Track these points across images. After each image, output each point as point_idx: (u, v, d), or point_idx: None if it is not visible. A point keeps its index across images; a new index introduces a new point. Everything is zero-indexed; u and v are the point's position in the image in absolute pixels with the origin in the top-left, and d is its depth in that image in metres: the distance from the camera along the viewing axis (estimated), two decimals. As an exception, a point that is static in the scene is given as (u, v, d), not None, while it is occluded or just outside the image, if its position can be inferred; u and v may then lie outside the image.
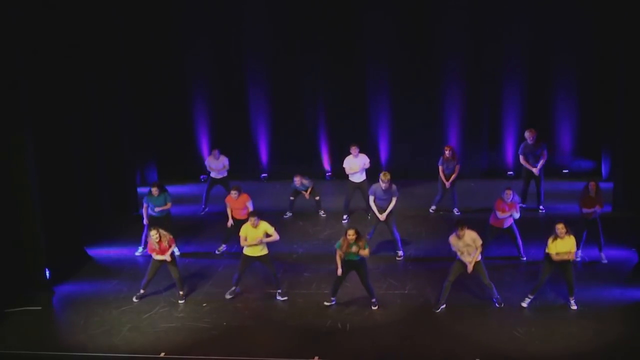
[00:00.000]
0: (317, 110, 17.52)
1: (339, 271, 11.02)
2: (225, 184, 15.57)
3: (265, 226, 11.60)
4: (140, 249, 13.70)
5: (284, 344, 10.42)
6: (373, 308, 11.29)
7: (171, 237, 11.88)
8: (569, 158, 17.06)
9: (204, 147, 17.82)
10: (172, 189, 17.23)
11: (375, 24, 16.75)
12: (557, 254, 10.73)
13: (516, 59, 16.65)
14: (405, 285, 12.06)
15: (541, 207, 14.89)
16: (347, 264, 11.06)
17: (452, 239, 11.04)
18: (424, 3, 16.53)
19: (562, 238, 10.68)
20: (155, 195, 13.26)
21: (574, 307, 10.99)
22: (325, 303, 11.39)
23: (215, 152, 15.52)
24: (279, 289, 11.81)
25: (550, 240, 10.80)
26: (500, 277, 12.10)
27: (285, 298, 11.75)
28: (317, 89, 17.37)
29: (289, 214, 15.38)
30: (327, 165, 17.83)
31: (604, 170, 16.55)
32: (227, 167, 15.54)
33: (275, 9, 16.98)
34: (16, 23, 11.78)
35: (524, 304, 11.16)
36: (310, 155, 17.52)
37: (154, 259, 11.74)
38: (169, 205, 13.38)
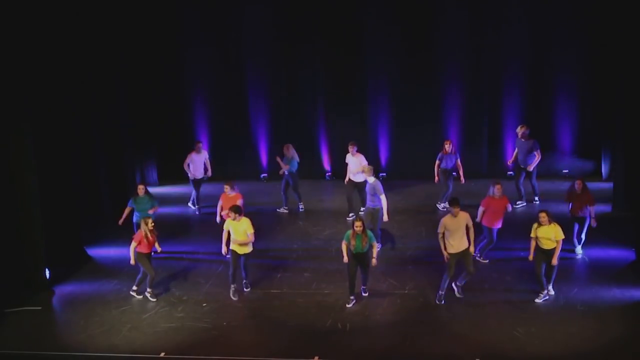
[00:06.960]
0: (317, 111, 17.53)
1: (345, 259, 11.06)
2: (199, 185, 15.48)
3: (247, 222, 11.55)
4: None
5: (284, 344, 10.41)
6: (363, 295, 11.46)
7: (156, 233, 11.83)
8: (569, 158, 17.07)
9: (204, 147, 17.77)
10: (171, 189, 17.37)
11: (375, 25, 16.76)
12: (539, 239, 10.99)
13: (516, 60, 16.67)
14: (405, 285, 12.05)
15: (520, 202, 15.13)
16: (356, 257, 11.11)
17: (446, 219, 11.19)
18: (425, 3, 16.54)
19: (543, 225, 10.95)
20: (141, 195, 13.11)
21: (552, 293, 11.23)
22: (347, 305, 11.35)
23: (199, 145, 15.32)
24: (245, 280, 11.95)
25: (534, 226, 11.12)
26: (501, 276, 12.14)
27: (248, 289, 11.92)
28: (317, 90, 17.39)
29: (284, 209, 15.41)
30: (327, 165, 17.84)
31: (604, 170, 16.55)
32: (207, 165, 15.35)
33: (275, 10, 16.99)
34: (18, 23, 11.78)
35: (539, 300, 11.23)
36: (310, 155, 17.53)
37: (140, 255, 11.66)
38: (155, 208, 13.18)
